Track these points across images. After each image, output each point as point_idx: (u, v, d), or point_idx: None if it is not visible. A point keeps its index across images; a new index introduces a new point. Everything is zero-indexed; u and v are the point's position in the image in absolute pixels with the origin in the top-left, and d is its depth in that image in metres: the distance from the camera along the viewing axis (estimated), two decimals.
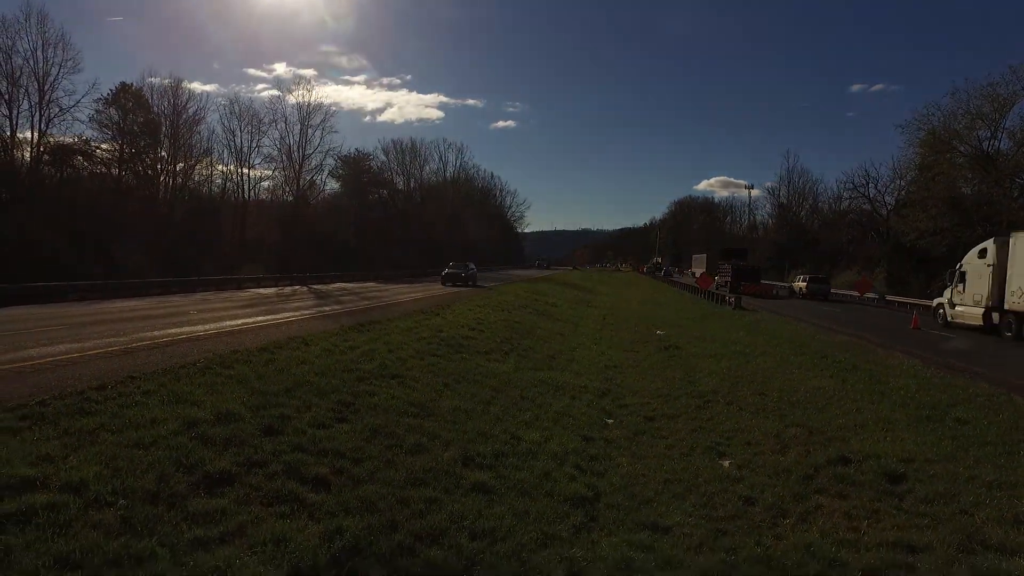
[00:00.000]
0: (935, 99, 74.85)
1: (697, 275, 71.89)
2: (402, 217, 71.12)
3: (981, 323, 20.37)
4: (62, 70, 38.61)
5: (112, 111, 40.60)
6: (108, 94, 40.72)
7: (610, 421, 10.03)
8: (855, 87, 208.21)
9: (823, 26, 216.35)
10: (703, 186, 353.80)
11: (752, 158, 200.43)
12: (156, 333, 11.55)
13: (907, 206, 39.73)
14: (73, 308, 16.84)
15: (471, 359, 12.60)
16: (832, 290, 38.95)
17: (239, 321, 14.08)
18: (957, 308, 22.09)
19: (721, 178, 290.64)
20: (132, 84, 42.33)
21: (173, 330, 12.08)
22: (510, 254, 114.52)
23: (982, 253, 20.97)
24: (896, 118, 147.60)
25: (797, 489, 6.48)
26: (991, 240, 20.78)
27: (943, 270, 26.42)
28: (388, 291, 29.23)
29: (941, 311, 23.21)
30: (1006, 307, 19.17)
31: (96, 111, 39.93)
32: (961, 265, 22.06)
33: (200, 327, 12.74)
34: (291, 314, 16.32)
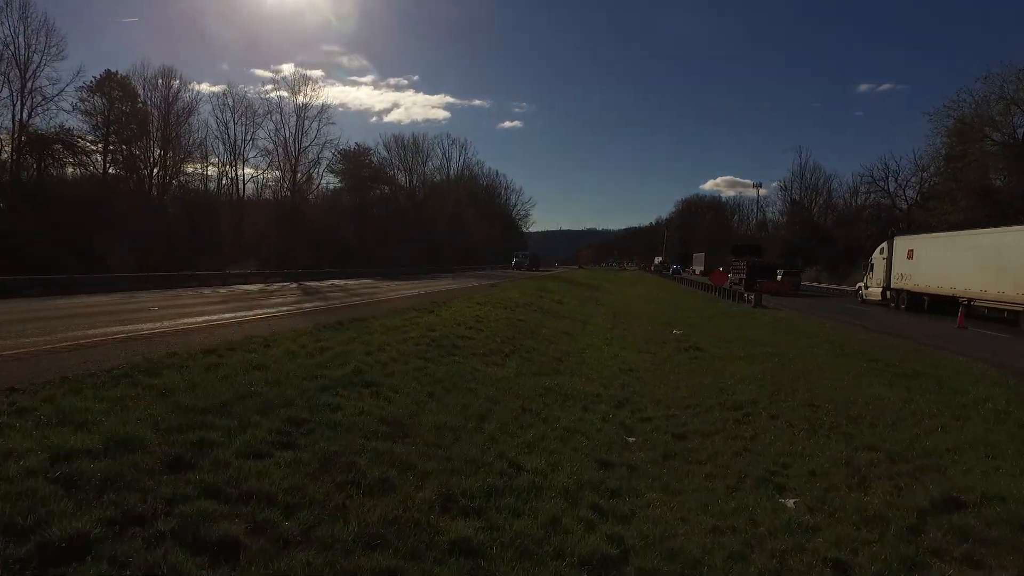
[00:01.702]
0: (942, 97, 72.76)
1: (697, 273, 71.75)
2: (403, 214, 69.39)
3: (880, 298, 28.98)
4: (45, 57, 36.81)
5: (97, 99, 38.97)
6: (92, 81, 39.14)
7: (631, 439, 8.24)
8: (862, 87, 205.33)
9: (830, 26, 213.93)
10: (709, 186, 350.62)
11: (759, 158, 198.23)
12: (91, 332, 9.82)
13: (933, 199, 37.67)
14: (20, 304, 15.13)
15: (465, 362, 10.83)
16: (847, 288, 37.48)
17: (201, 318, 12.35)
18: (869, 289, 30.79)
19: (727, 178, 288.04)
20: (118, 72, 40.76)
21: (114, 328, 10.36)
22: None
23: (882, 250, 29.39)
24: (903, 117, 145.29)
25: (904, 549, 4.66)
26: (886, 241, 29.08)
27: None
28: (383, 288, 27.50)
29: (860, 292, 32.16)
30: (892, 286, 27.91)
31: (80, 99, 38.33)
32: (871, 259, 30.78)
33: (149, 325, 11.02)
34: (266, 310, 14.58)
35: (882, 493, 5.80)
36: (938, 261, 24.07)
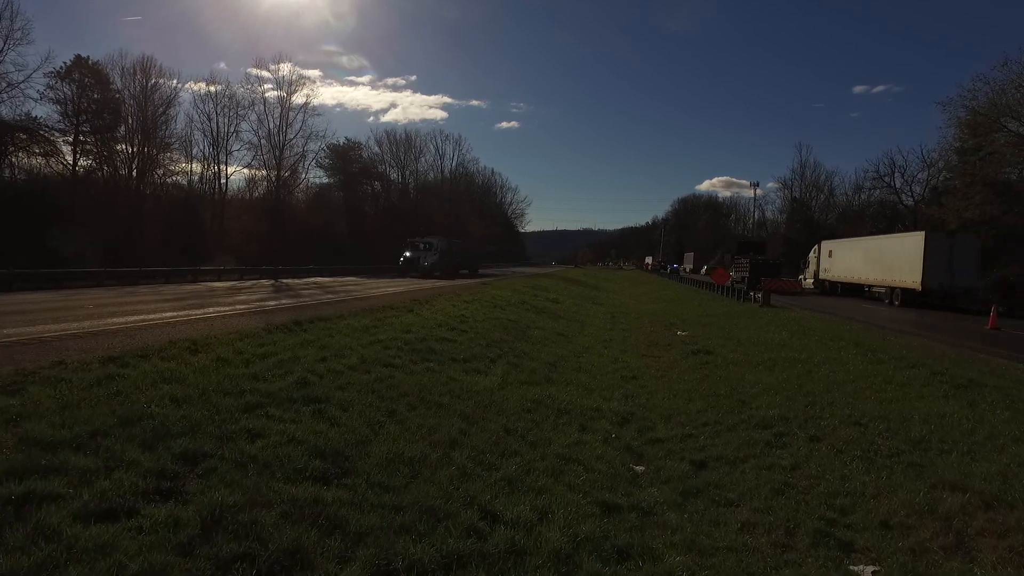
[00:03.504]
0: (938, 97, 71.50)
1: (687, 271, 71.91)
2: (395, 211, 67.57)
3: (813, 288, 36.03)
4: (9, 42, 34.42)
5: (65, 86, 36.89)
6: (61, 67, 37.00)
7: (640, 469, 6.62)
8: (858, 88, 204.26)
9: (826, 28, 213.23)
10: (706, 186, 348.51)
11: (755, 159, 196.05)
12: None
13: (946, 194, 36.17)
14: None
15: (442, 370, 9.19)
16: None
17: (136, 318, 10.66)
18: (806, 281, 37.61)
19: (724, 178, 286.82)
20: (89, 57, 38.62)
21: (14, 330, 8.65)
22: (512, 253, 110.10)
23: (814, 251, 37.34)
24: (899, 118, 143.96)
25: None
26: (816, 244, 37.62)
27: (988, 264, 29.68)
28: (366, 285, 25.79)
29: (801, 282, 38.03)
30: (820, 278, 35.42)
31: (48, 86, 36.18)
32: (808, 258, 38.68)
33: (63, 325, 9.33)
34: (220, 309, 12.88)
35: (997, 561, 4.19)
36: (846, 259, 32.26)
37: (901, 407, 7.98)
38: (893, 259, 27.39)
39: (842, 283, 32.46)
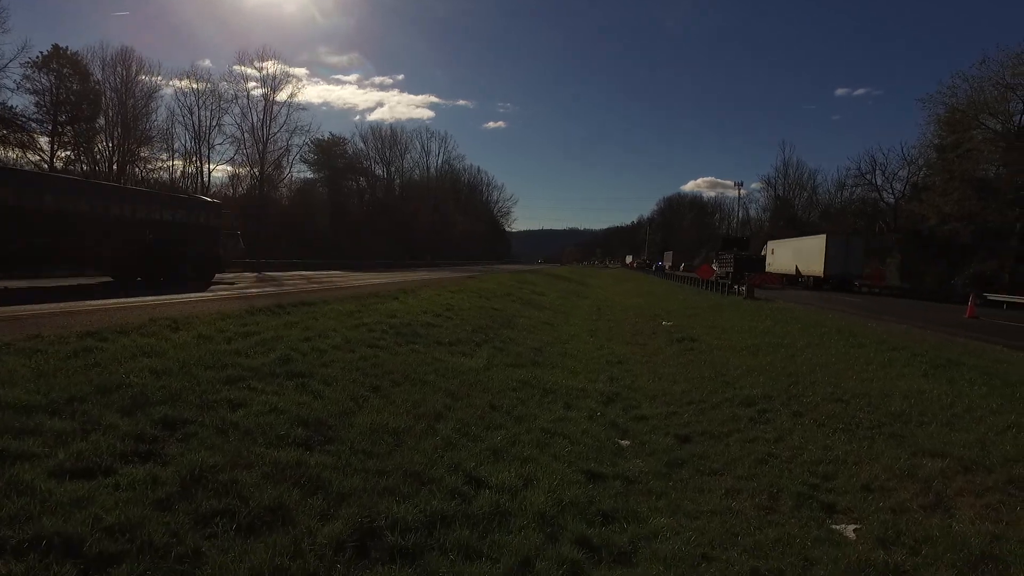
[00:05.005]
0: (921, 97, 72.62)
1: (666, 268, 73.47)
2: (381, 207, 67.19)
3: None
4: None
5: (43, 76, 36.02)
6: (38, 57, 36.15)
7: (625, 443, 6.64)
8: (839, 91, 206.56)
9: (810, 31, 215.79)
10: (691, 186, 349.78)
11: (739, 159, 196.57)
12: None
13: (925, 190, 36.75)
14: None
15: (426, 351, 9.13)
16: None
17: (114, 300, 10.47)
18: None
19: (708, 179, 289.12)
20: (67, 48, 37.76)
21: None
22: (498, 251, 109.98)
23: (764, 249, 44.08)
24: (879, 121, 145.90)
25: None
26: (767, 244, 44.82)
27: (967, 259, 31.32)
28: (351, 277, 25.61)
29: None
30: (767, 271, 38.89)
31: (25, 76, 35.32)
32: (759, 255, 43.83)
33: (40, 306, 9.14)
34: (201, 294, 12.70)
35: (974, 517, 4.25)
36: (782, 255, 39.99)
37: (882, 385, 8.08)
38: (807, 254, 35.31)
39: (782, 274, 39.01)
